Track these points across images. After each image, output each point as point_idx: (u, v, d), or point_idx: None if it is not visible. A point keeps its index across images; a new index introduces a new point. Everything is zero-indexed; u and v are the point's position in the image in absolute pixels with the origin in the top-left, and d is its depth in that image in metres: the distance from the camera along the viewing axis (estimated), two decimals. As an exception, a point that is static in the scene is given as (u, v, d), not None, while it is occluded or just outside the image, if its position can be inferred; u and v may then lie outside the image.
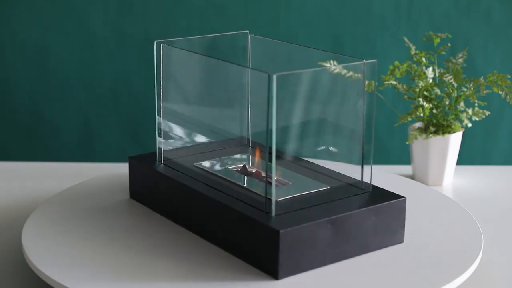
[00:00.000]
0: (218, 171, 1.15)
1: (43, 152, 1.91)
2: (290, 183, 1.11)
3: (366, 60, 1.06)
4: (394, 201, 1.06)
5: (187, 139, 1.23)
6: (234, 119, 1.24)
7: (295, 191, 1.08)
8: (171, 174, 1.15)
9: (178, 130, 1.21)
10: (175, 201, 1.14)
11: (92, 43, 1.87)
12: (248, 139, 1.25)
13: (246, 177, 1.13)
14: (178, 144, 1.22)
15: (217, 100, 1.22)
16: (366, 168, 1.09)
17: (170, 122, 1.20)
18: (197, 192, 1.10)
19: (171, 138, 1.21)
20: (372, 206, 1.05)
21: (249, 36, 1.23)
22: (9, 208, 1.30)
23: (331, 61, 1.46)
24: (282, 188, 1.09)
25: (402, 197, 1.07)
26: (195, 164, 1.17)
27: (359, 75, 1.46)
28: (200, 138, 1.23)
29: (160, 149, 1.20)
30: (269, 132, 1.00)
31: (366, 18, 1.85)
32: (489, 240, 1.18)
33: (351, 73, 1.47)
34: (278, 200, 1.05)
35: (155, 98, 1.89)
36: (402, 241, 1.08)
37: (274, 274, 0.99)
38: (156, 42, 1.18)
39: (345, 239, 1.03)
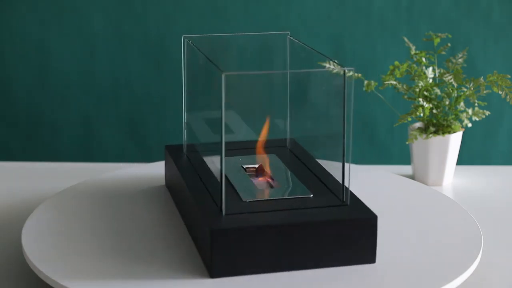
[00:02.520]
0: (225, 167, 1.15)
1: (43, 152, 1.91)
2: (280, 186, 1.11)
3: (346, 67, 1.03)
4: (361, 217, 1.01)
5: (223, 136, 1.23)
6: (276, 120, 1.24)
7: (272, 194, 1.07)
8: (181, 166, 1.17)
9: (208, 126, 1.21)
10: (176, 191, 1.16)
11: (92, 43, 1.87)
12: (287, 141, 1.25)
13: (242, 176, 1.13)
14: (208, 139, 1.22)
15: (253, 101, 1.22)
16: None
17: (199, 117, 1.20)
18: (184, 184, 1.11)
19: (199, 133, 1.21)
20: (331, 220, 1.01)
21: (288, 38, 1.22)
22: (9, 208, 1.30)
23: (331, 62, 1.46)
24: (261, 190, 1.09)
25: (373, 215, 1.02)
26: (213, 159, 1.18)
27: (359, 74, 1.46)
28: (238, 136, 1.23)
29: (185, 142, 1.22)
30: (221, 130, 1.00)
31: (366, 18, 1.85)
32: (489, 240, 1.18)
33: (351, 73, 1.47)
34: (247, 201, 1.05)
35: (156, 97, 1.89)
36: (373, 261, 1.02)
37: (209, 272, 0.99)
38: (184, 37, 1.18)
39: (297, 249, 1.00)
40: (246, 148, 1.22)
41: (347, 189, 1.05)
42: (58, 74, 1.88)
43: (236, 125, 1.20)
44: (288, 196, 1.07)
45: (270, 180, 1.13)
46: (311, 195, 1.07)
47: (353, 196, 1.07)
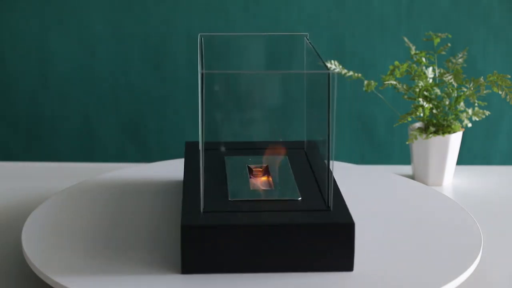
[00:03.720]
0: (229, 165, 1.16)
1: (43, 152, 1.91)
2: (272, 188, 1.11)
3: (330, 71, 1.01)
4: (337, 223, 0.99)
5: (242, 135, 1.23)
6: (292, 122, 1.24)
7: (260, 195, 1.07)
8: (188, 162, 1.17)
9: (226, 125, 1.21)
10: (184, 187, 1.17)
11: (92, 43, 1.87)
12: (303, 143, 1.25)
13: (242, 175, 1.13)
14: (226, 138, 1.22)
15: (272, 102, 1.22)
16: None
17: (218, 116, 1.20)
18: (183, 179, 1.12)
19: (220, 131, 1.21)
20: (304, 223, 0.99)
21: (305, 40, 1.21)
22: (9, 208, 1.30)
23: (332, 61, 1.46)
24: (252, 190, 1.09)
25: (351, 221, 0.99)
26: (226, 157, 1.18)
27: (359, 74, 1.46)
28: (256, 137, 1.23)
29: (200, 139, 1.23)
30: (201, 129, 1.00)
31: (366, 18, 1.85)
32: (489, 240, 1.18)
33: (351, 73, 1.48)
34: (232, 200, 1.05)
35: (156, 97, 1.89)
36: (351, 270, 0.99)
37: (181, 268, 0.99)
38: (200, 35, 1.18)
39: (270, 251, 0.99)
40: (261, 148, 1.22)
41: (331, 193, 1.03)
42: (58, 74, 1.88)
43: (253, 125, 1.21)
44: (276, 198, 1.07)
45: (269, 181, 1.13)
46: (299, 199, 1.06)
47: (340, 201, 1.05)
